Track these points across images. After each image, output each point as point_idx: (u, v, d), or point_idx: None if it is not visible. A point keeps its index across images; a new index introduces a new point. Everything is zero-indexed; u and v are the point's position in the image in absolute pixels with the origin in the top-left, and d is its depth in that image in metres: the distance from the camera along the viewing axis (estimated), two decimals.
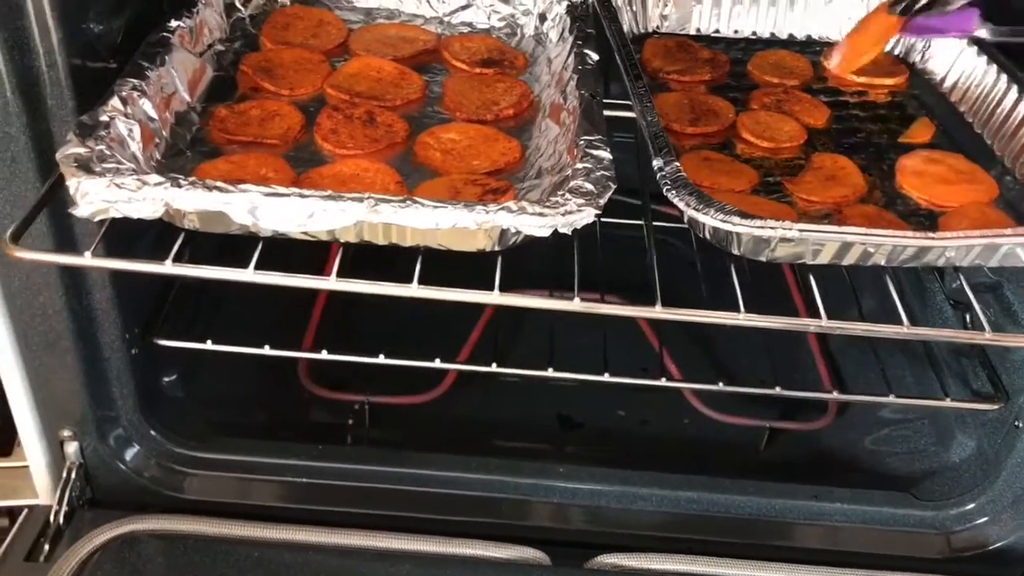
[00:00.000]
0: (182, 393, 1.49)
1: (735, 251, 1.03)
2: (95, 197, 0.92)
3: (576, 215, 0.96)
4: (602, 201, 0.98)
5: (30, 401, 1.29)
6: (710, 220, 0.99)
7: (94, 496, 1.38)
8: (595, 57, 1.25)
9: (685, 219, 1.04)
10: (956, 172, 1.24)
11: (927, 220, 1.16)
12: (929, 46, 1.47)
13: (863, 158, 1.26)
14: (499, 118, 1.24)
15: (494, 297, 1.02)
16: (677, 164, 1.05)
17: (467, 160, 1.15)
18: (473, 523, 1.36)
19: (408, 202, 0.94)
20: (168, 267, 1.00)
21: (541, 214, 0.95)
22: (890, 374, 1.50)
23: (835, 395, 1.45)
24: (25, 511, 1.36)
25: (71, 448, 1.33)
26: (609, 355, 1.39)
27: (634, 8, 1.49)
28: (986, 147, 1.31)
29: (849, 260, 1.03)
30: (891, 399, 1.39)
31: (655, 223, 1.25)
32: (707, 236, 1.03)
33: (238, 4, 1.36)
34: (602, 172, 1.02)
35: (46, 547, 1.28)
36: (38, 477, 1.36)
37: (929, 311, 1.57)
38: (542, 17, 1.42)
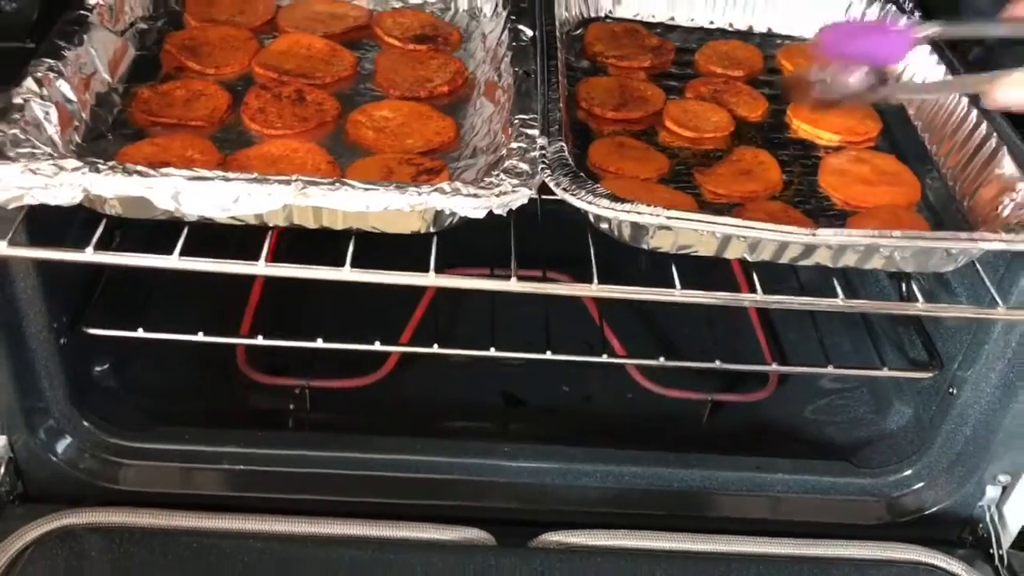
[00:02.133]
0: (115, 383, 1.45)
1: (615, 236, 1.01)
2: (9, 183, 0.89)
3: (510, 195, 0.95)
4: (536, 182, 0.97)
5: None
6: (579, 203, 0.98)
7: (26, 491, 1.34)
8: (529, 33, 1.23)
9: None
10: (880, 173, 1.21)
11: (837, 220, 1.14)
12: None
13: (788, 154, 1.24)
14: (433, 95, 1.22)
15: (429, 279, 1.00)
16: (562, 145, 1.04)
17: (400, 139, 1.13)
18: (418, 506, 1.35)
19: (338, 185, 0.92)
20: (89, 255, 0.97)
21: (475, 195, 0.93)
22: (828, 343, 1.51)
23: (774, 367, 1.46)
24: None
25: None
26: (552, 331, 1.38)
27: None
28: (925, 150, 1.29)
29: (733, 254, 1.02)
30: (829, 369, 1.40)
31: None
32: (591, 221, 1.02)
33: None
34: (536, 153, 1.00)
35: None
36: None
37: (867, 281, 1.59)
38: None
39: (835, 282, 1.12)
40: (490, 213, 0.96)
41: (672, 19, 1.50)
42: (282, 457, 1.36)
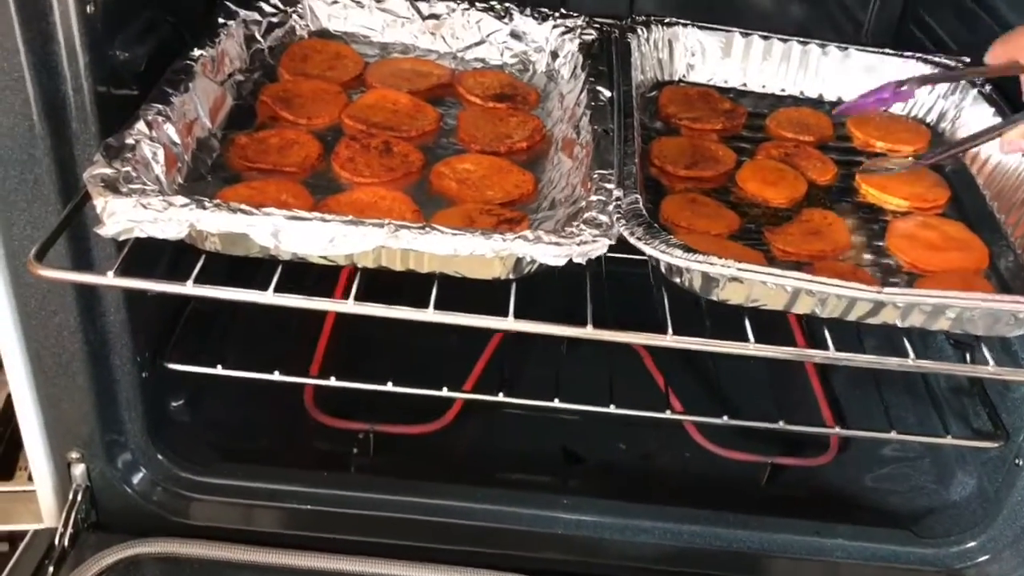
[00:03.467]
0: (188, 418, 1.49)
1: (686, 287, 1.03)
2: (122, 217, 0.94)
3: (590, 245, 0.98)
4: (616, 232, 1.00)
5: (40, 422, 1.30)
6: (652, 251, 1.00)
7: (98, 519, 1.37)
8: (607, 94, 1.28)
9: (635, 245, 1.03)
10: (948, 239, 1.22)
11: (905, 282, 1.15)
12: (960, 114, 1.46)
13: (856, 217, 1.26)
14: (512, 151, 1.27)
15: (508, 323, 1.03)
16: (637, 196, 1.06)
17: (481, 190, 1.18)
18: (477, 553, 1.36)
19: (427, 229, 0.96)
20: (189, 288, 1.02)
21: (557, 243, 0.97)
22: (892, 413, 1.52)
23: (838, 430, 1.47)
24: (29, 533, 1.35)
25: (78, 470, 1.33)
26: (613, 390, 1.40)
27: (660, 55, 1.50)
28: (994, 219, 1.30)
29: (801, 309, 1.02)
30: (893, 435, 1.40)
31: None
32: (662, 271, 1.03)
33: (257, 36, 1.39)
34: (615, 205, 1.04)
35: (51, 569, 1.28)
36: (44, 499, 1.37)
37: (930, 352, 1.59)
38: (554, 54, 1.46)
39: (906, 344, 1.13)
40: (562, 267, 1.00)
41: (744, 85, 1.54)
42: (348, 499, 1.39)
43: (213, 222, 0.95)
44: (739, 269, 0.98)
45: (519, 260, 0.99)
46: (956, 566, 1.37)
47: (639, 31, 1.46)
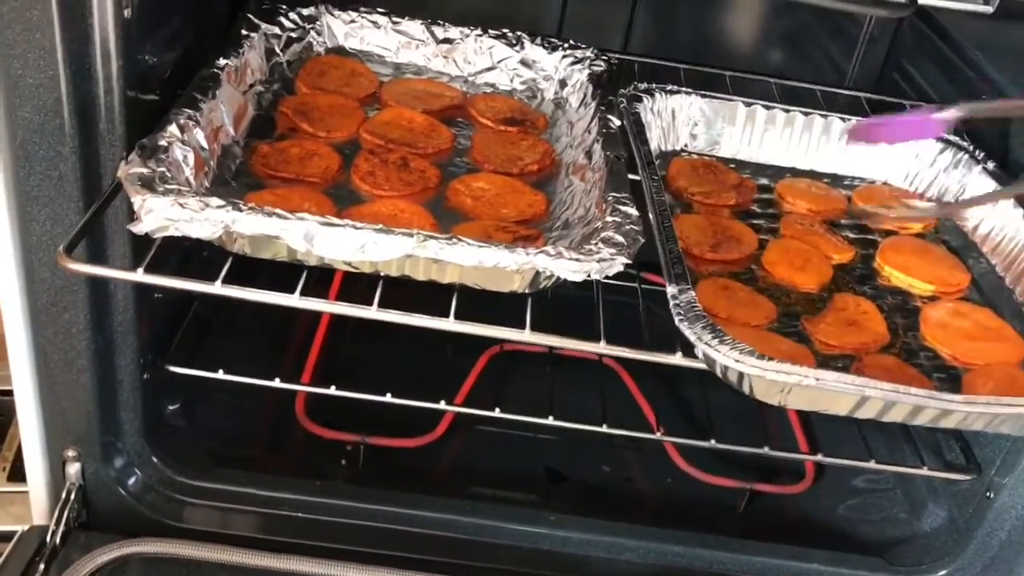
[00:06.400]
0: (183, 422, 1.50)
1: (744, 391, 1.01)
2: (159, 215, 0.97)
3: (608, 263, 1.02)
4: (632, 252, 1.05)
5: (39, 419, 1.29)
6: (723, 359, 0.97)
7: (88, 520, 1.37)
8: (617, 123, 1.33)
9: (698, 352, 1.02)
10: (983, 328, 1.21)
11: (949, 377, 1.15)
12: (964, 190, 1.45)
13: (886, 304, 1.25)
14: (523, 172, 1.32)
15: (525, 335, 1.07)
16: (692, 294, 1.04)
17: (496, 208, 1.22)
18: (464, 566, 1.38)
19: (455, 240, 1.00)
20: (218, 288, 1.04)
21: (577, 259, 1.01)
22: (863, 443, 1.57)
23: (819, 457, 1.51)
24: (20, 531, 1.34)
25: (73, 469, 1.33)
26: (598, 411, 1.44)
27: (663, 124, 1.49)
28: (1015, 304, 1.29)
29: (866, 414, 1.01)
30: (872, 464, 1.45)
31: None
32: (717, 372, 1.02)
33: (277, 49, 1.43)
34: (631, 226, 1.09)
35: (41, 567, 1.27)
36: (36, 497, 1.36)
37: None
38: (562, 83, 1.51)
39: None
40: (565, 286, 1.03)
41: (749, 156, 1.54)
42: (337, 507, 1.40)
43: (248, 224, 0.98)
44: (817, 379, 0.96)
45: (537, 274, 1.03)
46: None
47: (644, 99, 1.46)
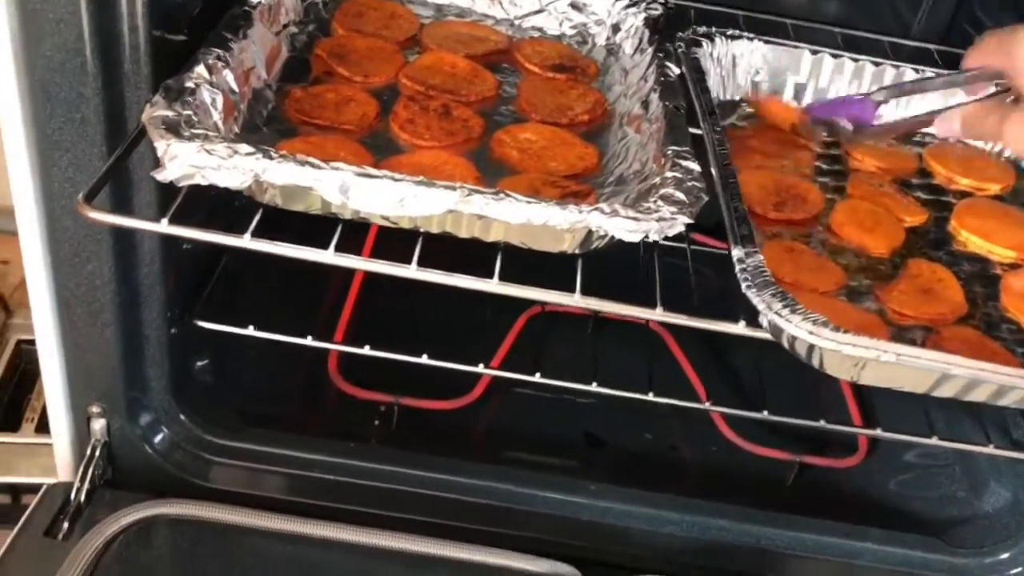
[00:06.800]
0: (212, 379, 1.45)
1: (814, 364, 0.93)
2: (184, 161, 0.90)
3: (668, 222, 0.94)
4: (695, 211, 0.97)
5: (63, 373, 1.25)
6: (794, 330, 0.90)
7: (114, 477, 1.34)
8: (676, 71, 1.24)
9: (764, 321, 0.95)
10: None
11: None
12: None
13: (962, 271, 1.18)
14: (573, 123, 1.23)
15: (575, 299, 1.00)
16: (760, 258, 0.97)
17: (544, 161, 1.14)
18: (499, 534, 1.33)
19: (502, 195, 0.92)
20: (247, 241, 0.97)
21: (635, 218, 0.93)
22: (924, 417, 1.49)
23: (879, 432, 1.43)
24: (45, 485, 1.31)
25: (98, 425, 1.29)
26: (642, 377, 1.38)
27: (723, 72, 1.40)
28: None
29: (945, 392, 0.93)
30: (934, 440, 1.37)
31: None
32: (784, 343, 0.94)
33: None
34: (693, 183, 1.00)
35: (65, 524, 1.24)
36: (60, 453, 1.33)
37: None
38: (615, 28, 1.41)
39: None
40: (623, 249, 0.96)
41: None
42: (369, 471, 1.35)
43: (279, 174, 0.91)
44: (898, 355, 0.88)
45: (589, 234, 0.95)
46: None
47: (704, 44, 1.37)
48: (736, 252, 0.97)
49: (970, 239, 1.24)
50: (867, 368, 0.91)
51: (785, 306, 0.91)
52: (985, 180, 1.34)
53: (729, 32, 1.41)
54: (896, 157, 1.37)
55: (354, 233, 1.37)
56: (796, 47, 1.43)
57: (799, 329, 0.89)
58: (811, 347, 0.91)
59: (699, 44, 1.36)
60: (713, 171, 1.09)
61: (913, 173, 1.35)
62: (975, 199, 1.32)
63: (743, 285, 0.94)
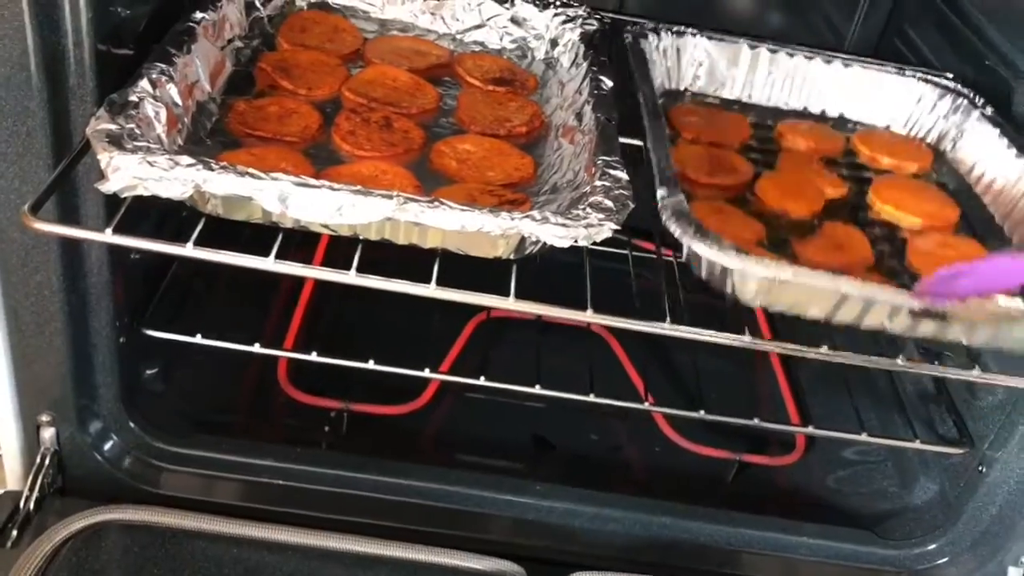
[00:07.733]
0: (162, 387, 1.47)
1: (727, 291, 1.00)
2: (126, 173, 0.93)
3: (596, 228, 0.99)
4: (621, 218, 1.01)
5: (11, 382, 1.27)
6: (704, 251, 0.97)
7: (64, 485, 1.35)
8: (609, 84, 1.28)
9: (684, 254, 1.02)
10: (967, 258, 1.17)
11: None
12: (962, 135, 1.45)
13: (874, 233, 1.26)
14: (511, 134, 1.27)
15: (509, 303, 1.04)
16: (682, 197, 1.03)
17: (482, 171, 1.18)
18: (448, 535, 1.36)
19: (436, 203, 0.96)
20: (189, 250, 1.00)
21: (564, 225, 0.97)
22: (856, 416, 1.54)
23: (811, 430, 1.49)
24: None
25: (47, 434, 1.30)
26: (586, 379, 1.42)
27: (668, 64, 1.48)
28: (1005, 239, 1.29)
29: (844, 316, 1.00)
30: (864, 437, 1.42)
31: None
32: (702, 273, 1.01)
33: (257, 3, 1.37)
34: (620, 191, 1.05)
35: (14, 533, 1.25)
36: (9, 461, 1.33)
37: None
38: (553, 42, 1.46)
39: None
40: (552, 254, 1.00)
41: (749, 97, 1.53)
42: (319, 475, 1.38)
43: (220, 184, 0.94)
44: (794, 274, 0.96)
45: (523, 240, 0.99)
46: (916, 568, 1.40)
47: (650, 37, 1.44)
48: (660, 191, 1.04)
49: (884, 208, 1.32)
50: (771, 293, 0.98)
51: (699, 233, 0.98)
52: (905, 160, 1.43)
53: (675, 28, 1.48)
54: (825, 139, 1.45)
55: (307, 243, 1.41)
56: (735, 41, 1.51)
57: (713, 251, 0.96)
58: (724, 271, 0.97)
59: (646, 37, 1.43)
60: (647, 133, 1.15)
61: (840, 153, 1.44)
62: (893, 176, 1.41)
63: (663, 218, 1.00)
